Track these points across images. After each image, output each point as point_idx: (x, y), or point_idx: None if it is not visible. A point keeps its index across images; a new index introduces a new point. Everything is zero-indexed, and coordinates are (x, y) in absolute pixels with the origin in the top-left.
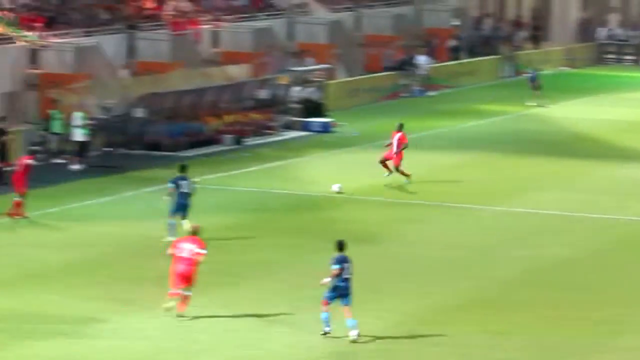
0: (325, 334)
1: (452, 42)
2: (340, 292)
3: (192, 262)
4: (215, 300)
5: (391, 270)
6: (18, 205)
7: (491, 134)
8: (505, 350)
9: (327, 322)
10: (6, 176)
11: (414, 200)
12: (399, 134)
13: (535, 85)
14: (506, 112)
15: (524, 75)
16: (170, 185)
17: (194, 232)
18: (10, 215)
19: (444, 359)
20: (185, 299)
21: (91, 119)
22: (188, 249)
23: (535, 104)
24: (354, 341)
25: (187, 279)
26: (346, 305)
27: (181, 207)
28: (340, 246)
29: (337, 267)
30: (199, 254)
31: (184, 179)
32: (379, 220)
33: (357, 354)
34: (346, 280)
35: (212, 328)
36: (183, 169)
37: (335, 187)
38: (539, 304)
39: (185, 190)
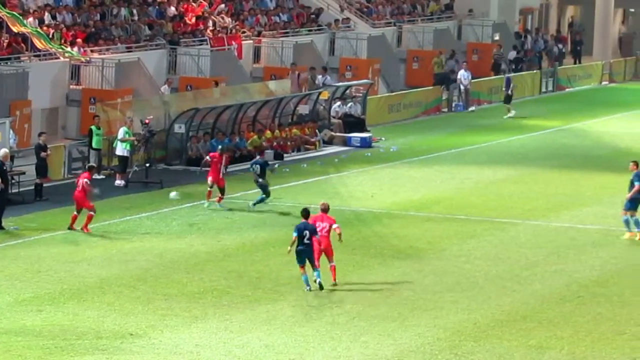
0: (310, 289)
1: (512, 54)
2: (306, 255)
3: (327, 238)
4: (255, 315)
5: (432, 285)
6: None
7: (531, 149)
8: None
9: (307, 283)
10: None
11: (455, 215)
12: None
13: (510, 92)
14: (546, 127)
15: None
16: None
17: (325, 210)
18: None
19: None
20: (334, 269)
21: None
22: (323, 226)
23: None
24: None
25: (328, 252)
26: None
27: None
28: (306, 214)
29: (294, 234)
30: (336, 229)
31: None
32: (420, 235)
33: None
34: (306, 244)
35: (251, 344)
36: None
37: (173, 195)
38: (579, 319)
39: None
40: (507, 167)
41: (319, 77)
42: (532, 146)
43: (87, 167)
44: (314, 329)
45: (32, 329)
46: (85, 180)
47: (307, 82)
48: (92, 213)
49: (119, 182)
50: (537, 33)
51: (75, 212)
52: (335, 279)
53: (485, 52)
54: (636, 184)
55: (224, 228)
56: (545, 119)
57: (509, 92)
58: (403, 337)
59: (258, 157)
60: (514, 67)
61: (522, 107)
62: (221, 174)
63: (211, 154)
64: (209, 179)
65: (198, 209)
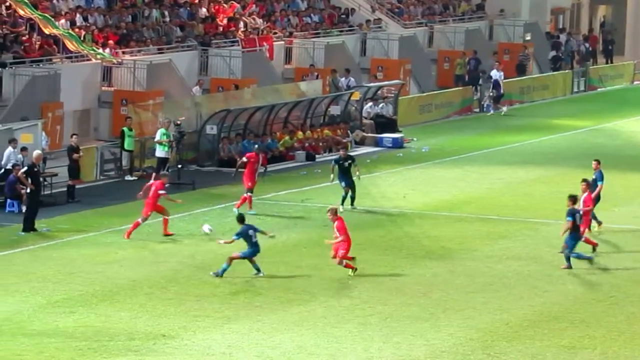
0: (216, 275)
1: (552, 53)
2: (255, 252)
3: None
4: (287, 316)
5: (464, 286)
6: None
7: (562, 149)
8: None
9: (223, 271)
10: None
11: (486, 215)
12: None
13: (497, 93)
14: (577, 127)
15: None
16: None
17: None
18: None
19: None
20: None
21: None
22: None
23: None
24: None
25: None
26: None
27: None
28: (241, 219)
29: (235, 238)
30: None
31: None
32: (452, 235)
33: None
34: (254, 243)
35: (283, 345)
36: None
37: (205, 229)
38: (611, 319)
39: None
40: (538, 167)
41: (342, 79)
42: (563, 146)
43: (160, 174)
44: (346, 329)
45: (65, 331)
46: (162, 191)
47: (328, 85)
48: (166, 217)
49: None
50: (568, 33)
51: (140, 220)
52: None
53: (517, 52)
54: (599, 183)
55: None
56: (577, 119)
57: (501, 92)
58: (435, 338)
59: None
60: (552, 66)
61: (553, 107)
62: (257, 175)
63: (247, 154)
64: (249, 184)
65: (230, 210)
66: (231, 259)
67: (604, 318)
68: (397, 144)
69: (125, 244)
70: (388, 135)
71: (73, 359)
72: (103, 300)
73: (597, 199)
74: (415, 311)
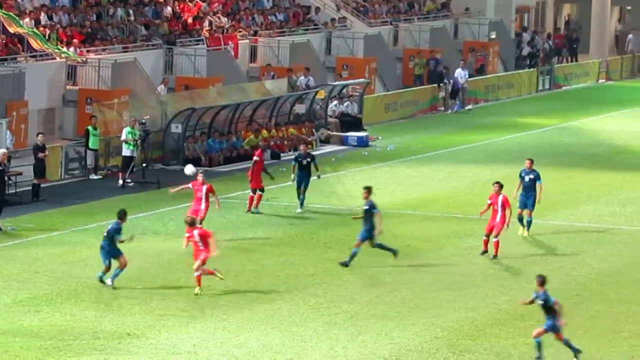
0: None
1: (527, 50)
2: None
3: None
4: (253, 315)
5: (430, 284)
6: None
7: (528, 147)
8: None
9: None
10: (43, 192)
11: (452, 213)
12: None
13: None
14: (543, 125)
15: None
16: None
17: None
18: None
19: None
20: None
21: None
22: None
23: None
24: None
25: None
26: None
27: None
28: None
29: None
30: None
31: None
32: (418, 234)
33: None
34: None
35: (249, 343)
36: None
37: (188, 170)
38: (577, 317)
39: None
40: (505, 166)
41: (301, 78)
42: (529, 144)
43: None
44: (312, 328)
45: (30, 330)
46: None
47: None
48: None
49: (121, 181)
50: (534, 31)
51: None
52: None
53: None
54: (538, 183)
55: (221, 228)
56: (543, 117)
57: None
58: (401, 336)
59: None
60: (528, 62)
61: (519, 105)
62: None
63: (257, 152)
64: (256, 183)
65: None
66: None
67: (569, 316)
68: (363, 143)
69: (90, 243)
70: (353, 134)
71: (38, 358)
72: (68, 299)
73: (533, 200)
74: (381, 310)
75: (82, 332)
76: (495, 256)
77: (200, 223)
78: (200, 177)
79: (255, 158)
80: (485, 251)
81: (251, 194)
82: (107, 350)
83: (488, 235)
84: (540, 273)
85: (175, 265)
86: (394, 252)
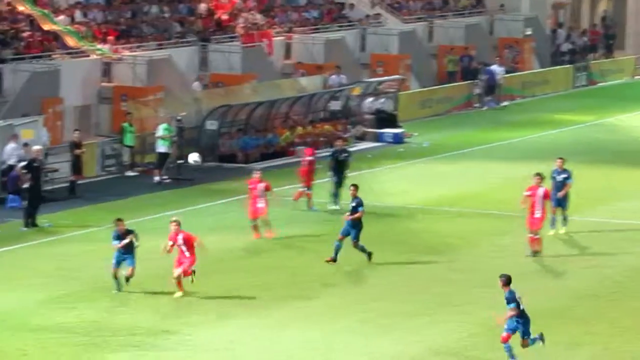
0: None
1: (566, 46)
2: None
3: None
4: (289, 312)
5: (464, 281)
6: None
7: (563, 144)
8: (576, 356)
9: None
10: (79, 189)
11: (487, 210)
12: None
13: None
14: (578, 122)
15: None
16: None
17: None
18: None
19: None
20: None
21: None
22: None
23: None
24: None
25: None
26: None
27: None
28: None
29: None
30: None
31: None
32: (452, 230)
33: None
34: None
35: (285, 340)
36: None
37: (192, 159)
38: (613, 315)
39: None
40: (540, 163)
41: (333, 76)
42: (564, 141)
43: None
44: (346, 325)
45: (66, 326)
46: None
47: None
48: (305, 191)
49: (156, 178)
50: (569, 27)
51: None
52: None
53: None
54: (568, 182)
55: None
56: (578, 114)
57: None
58: (434, 333)
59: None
60: (568, 58)
61: (554, 102)
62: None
63: (306, 150)
64: (307, 180)
65: (231, 206)
66: None
67: (606, 314)
68: (398, 139)
69: None
70: (389, 131)
71: (75, 354)
72: (104, 295)
73: (565, 198)
74: (414, 307)
75: (119, 329)
76: (536, 252)
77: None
78: (256, 175)
79: (309, 158)
80: (537, 251)
81: (307, 191)
82: (144, 347)
83: (534, 232)
84: (505, 273)
85: (210, 261)
86: (369, 255)
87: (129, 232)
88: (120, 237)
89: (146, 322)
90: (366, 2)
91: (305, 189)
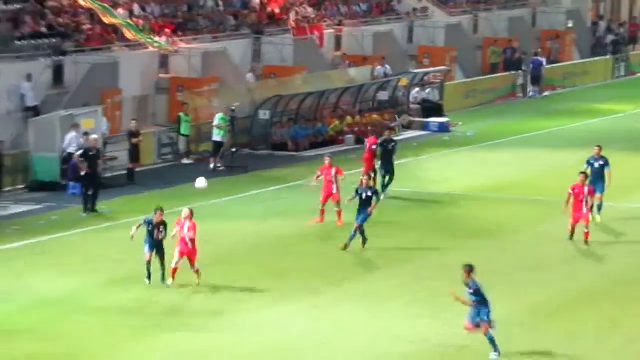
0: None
1: (610, 37)
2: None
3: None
4: (337, 294)
5: (507, 265)
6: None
7: (604, 133)
8: (615, 338)
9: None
10: (137, 176)
11: (529, 197)
12: None
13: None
14: (618, 111)
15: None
16: None
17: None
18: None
19: (556, 342)
20: None
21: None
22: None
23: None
24: None
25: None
26: None
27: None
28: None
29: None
30: None
31: None
32: (496, 216)
33: (479, 343)
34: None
35: (333, 322)
36: None
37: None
38: None
39: None
40: (580, 151)
41: (378, 68)
42: (604, 130)
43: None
44: (395, 306)
45: (124, 308)
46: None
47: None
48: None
49: (212, 165)
50: (610, 20)
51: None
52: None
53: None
54: (607, 169)
55: (306, 210)
56: (617, 104)
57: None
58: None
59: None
60: (612, 49)
61: (594, 92)
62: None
63: (369, 138)
64: (369, 167)
65: (282, 192)
66: None
67: None
68: (444, 128)
69: None
70: (434, 120)
71: (131, 335)
72: (159, 279)
73: (602, 185)
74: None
75: (173, 311)
76: (586, 241)
77: (338, 206)
78: (327, 161)
79: (374, 146)
80: (572, 236)
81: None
82: (196, 328)
83: (574, 227)
84: (468, 263)
85: (262, 246)
86: (365, 241)
87: (163, 223)
88: (153, 225)
89: (199, 305)
90: None
91: (366, 175)
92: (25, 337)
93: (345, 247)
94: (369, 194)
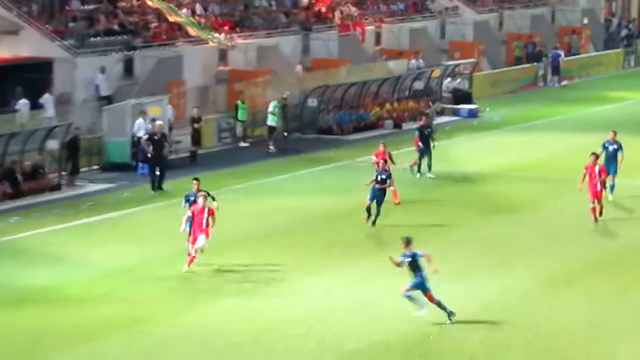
0: None
1: (624, 32)
2: None
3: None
4: (378, 264)
5: (530, 237)
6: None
7: (616, 118)
8: (628, 300)
9: None
10: (199, 158)
11: (550, 175)
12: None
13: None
14: (629, 99)
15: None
16: None
17: None
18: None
19: (574, 305)
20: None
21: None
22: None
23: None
24: None
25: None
26: None
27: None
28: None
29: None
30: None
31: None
32: (520, 193)
33: (504, 307)
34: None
35: (375, 289)
36: None
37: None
38: None
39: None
40: (594, 134)
41: (412, 61)
42: (616, 115)
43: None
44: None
45: (186, 276)
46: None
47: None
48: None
49: (270, 147)
50: (620, 17)
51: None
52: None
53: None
54: (620, 152)
55: (351, 188)
56: (628, 91)
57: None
58: (506, 282)
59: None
60: (625, 43)
61: (607, 81)
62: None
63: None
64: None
65: (328, 172)
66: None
67: None
68: (472, 114)
69: (239, 201)
70: (464, 106)
71: (193, 298)
72: (222, 248)
73: (615, 167)
74: (488, 258)
75: (232, 278)
76: (596, 220)
77: (392, 185)
78: (382, 146)
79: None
80: (596, 218)
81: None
82: (253, 293)
83: (594, 202)
84: (406, 235)
85: (312, 219)
86: (376, 219)
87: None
88: (191, 199)
89: (257, 272)
90: None
91: (418, 156)
92: (98, 302)
93: (372, 223)
94: (384, 176)
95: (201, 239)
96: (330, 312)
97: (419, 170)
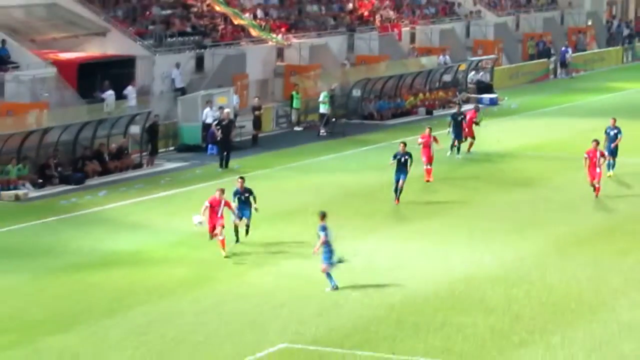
0: None
1: (626, 31)
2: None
3: None
4: (411, 230)
5: (542, 207)
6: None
7: (617, 105)
8: (626, 262)
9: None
10: (260, 140)
11: (559, 154)
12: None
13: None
14: (628, 88)
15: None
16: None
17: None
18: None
19: (580, 265)
20: None
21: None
22: None
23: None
24: None
25: None
26: None
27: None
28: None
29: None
30: None
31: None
32: (534, 169)
33: (520, 266)
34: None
35: (409, 251)
36: None
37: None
38: None
39: None
40: (599, 119)
41: (440, 57)
42: (617, 103)
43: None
44: (456, 241)
45: (249, 242)
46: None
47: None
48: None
49: (322, 131)
50: (620, 19)
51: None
52: None
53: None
54: (619, 136)
55: (389, 166)
56: (628, 82)
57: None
58: (522, 246)
59: None
60: (628, 41)
61: (609, 74)
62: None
63: (470, 112)
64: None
65: (370, 152)
66: None
67: None
68: (494, 102)
69: (291, 177)
70: (486, 96)
71: (252, 263)
72: (280, 218)
73: (616, 148)
74: (506, 225)
75: (289, 243)
76: (596, 196)
77: (430, 165)
78: (427, 130)
79: (469, 116)
80: (595, 190)
81: (472, 140)
82: (303, 257)
83: (593, 184)
84: (322, 210)
85: (355, 193)
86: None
87: (248, 190)
88: (239, 193)
89: (309, 238)
90: (470, 0)
91: (470, 138)
92: (174, 264)
93: (397, 201)
94: (406, 157)
95: (196, 217)
96: (372, 271)
97: (458, 152)
